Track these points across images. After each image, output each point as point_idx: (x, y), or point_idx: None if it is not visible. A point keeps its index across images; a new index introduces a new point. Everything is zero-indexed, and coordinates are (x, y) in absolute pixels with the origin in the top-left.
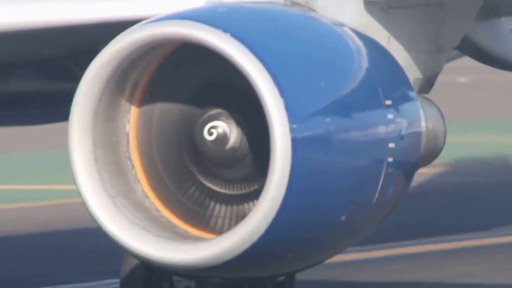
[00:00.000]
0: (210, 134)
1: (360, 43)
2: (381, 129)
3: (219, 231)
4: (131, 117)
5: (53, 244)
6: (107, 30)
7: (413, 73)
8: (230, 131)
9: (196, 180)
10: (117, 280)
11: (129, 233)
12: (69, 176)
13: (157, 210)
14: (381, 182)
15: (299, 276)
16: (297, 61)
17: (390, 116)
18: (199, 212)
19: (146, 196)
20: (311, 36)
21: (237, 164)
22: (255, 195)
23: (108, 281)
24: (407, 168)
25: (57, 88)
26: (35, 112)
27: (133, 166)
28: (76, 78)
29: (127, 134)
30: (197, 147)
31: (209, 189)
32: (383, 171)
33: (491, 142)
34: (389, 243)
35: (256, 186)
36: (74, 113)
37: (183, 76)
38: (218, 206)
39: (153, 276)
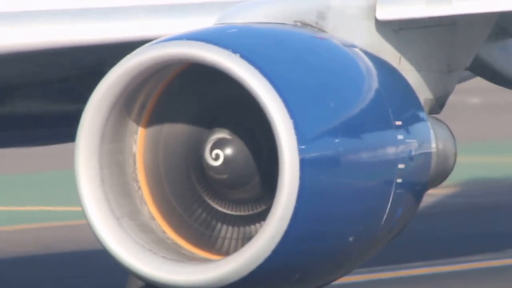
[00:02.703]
0: (217, 157)
1: (370, 64)
2: (391, 150)
3: (226, 253)
4: (138, 137)
5: (58, 266)
6: (114, 51)
7: (424, 94)
8: (238, 153)
9: (203, 201)
10: None
11: (135, 255)
12: (75, 197)
13: (163, 232)
14: (390, 203)
15: None
16: (307, 82)
17: (400, 137)
18: (205, 233)
19: (152, 218)
20: (321, 57)
21: (245, 185)
22: (262, 216)
23: None
24: (417, 189)
25: (64, 109)
26: (41, 133)
27: (139, 187)
28: (82, 99)
29: (134, 155)
30: (204, 169)
31: (216, 211)
32: (392, 192)
33: (502, 162)
34: (398, 264)
35: (263, 207)
36: (81, 134)
37: (191, 96)
38: (224, 227)
39: None
